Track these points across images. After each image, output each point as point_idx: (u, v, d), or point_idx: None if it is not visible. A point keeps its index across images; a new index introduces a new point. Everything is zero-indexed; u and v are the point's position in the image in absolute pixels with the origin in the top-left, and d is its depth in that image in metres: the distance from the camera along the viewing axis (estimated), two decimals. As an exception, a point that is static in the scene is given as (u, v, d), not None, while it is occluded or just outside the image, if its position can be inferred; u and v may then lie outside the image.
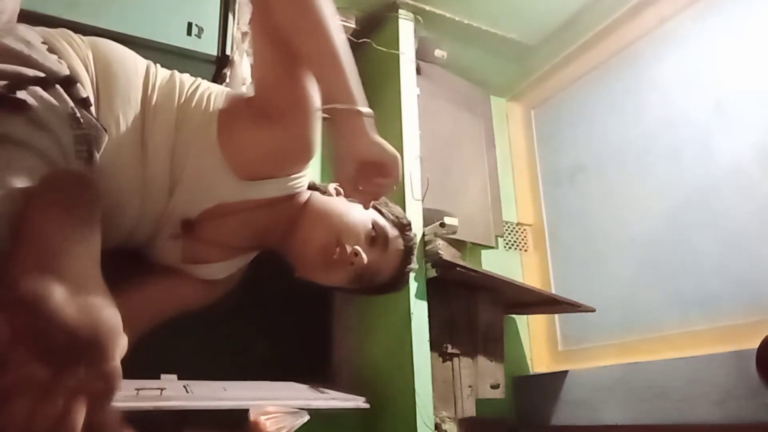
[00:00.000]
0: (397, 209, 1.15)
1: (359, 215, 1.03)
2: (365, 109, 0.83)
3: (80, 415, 0.44)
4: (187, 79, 0.91)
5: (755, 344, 1.37)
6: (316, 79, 0.84)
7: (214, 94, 0.90)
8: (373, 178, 0.87)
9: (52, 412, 0.43)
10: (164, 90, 0.87)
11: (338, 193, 1.08)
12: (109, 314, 0.47)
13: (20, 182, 0.58)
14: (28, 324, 0.44)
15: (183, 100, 0.87)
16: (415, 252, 1.16)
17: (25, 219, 0.53)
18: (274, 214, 0.96)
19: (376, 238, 1.04)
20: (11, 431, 0.42)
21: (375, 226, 1.05)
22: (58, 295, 0.45)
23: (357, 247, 1.00)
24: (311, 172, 1.03)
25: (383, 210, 1.11)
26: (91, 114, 0.73)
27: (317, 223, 1.00)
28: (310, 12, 0.78)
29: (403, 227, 1.12)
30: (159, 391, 1.22)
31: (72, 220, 0.55)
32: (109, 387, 0.46)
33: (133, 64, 0.86)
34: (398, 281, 1.14)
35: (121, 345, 0.48)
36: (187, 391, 1.28)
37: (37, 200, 0.55)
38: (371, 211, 1.06)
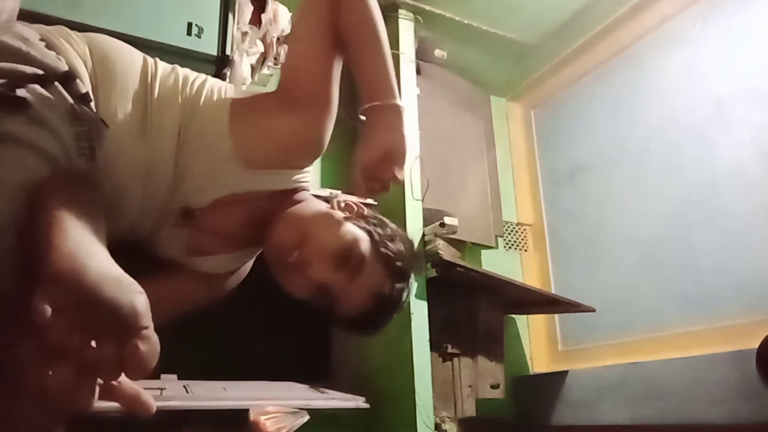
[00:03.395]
0: (400, 250, 0.93)
1: (341, 231, 0.89)
2: (404, 106, 0.92)
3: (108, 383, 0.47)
4: (190, 73, 0.92)
5: (755, 344, 1.37)
6: (364, 74, 0.92)
7: (223, 88, 0.92)
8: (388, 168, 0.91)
9: (88, 379, 0.45)
10: (167, 83, 0.87)
11: (338, 207, 0.97)
12: (139, 289, 0.50)
13: (22, 180, 0.59)
14: (68, 300, 0.45)
15: (189, 92, 0.88)
16: (401, 304, 0.93)
17: (42, 210, 0.54)
18: (275, 209, 0.96)
19: (348, 260, 0.88)
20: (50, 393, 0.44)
21: (354, 249, 0.88)
22: (93, 270, 0.48)
23: (316, 264, 0.87)
24: (311, 177, 1.03)
25: (385, 245, 0.92)
26: (91, 109, 0.72)
27: (286, 218, 0.91)
28: (373, 13, 0.91)
29: (395, 272, 0.91)
30: (159, 391, 1.23)
31: (82, 217, 0.56)
32: (152, 350, 0.47)
33: (130, 58, 0.86)
34: (368, 325, 0.94)
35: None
36: (187, 391, 1.28)
37: (49, 194, 0.56)
38: (361, 234, 0.91)
